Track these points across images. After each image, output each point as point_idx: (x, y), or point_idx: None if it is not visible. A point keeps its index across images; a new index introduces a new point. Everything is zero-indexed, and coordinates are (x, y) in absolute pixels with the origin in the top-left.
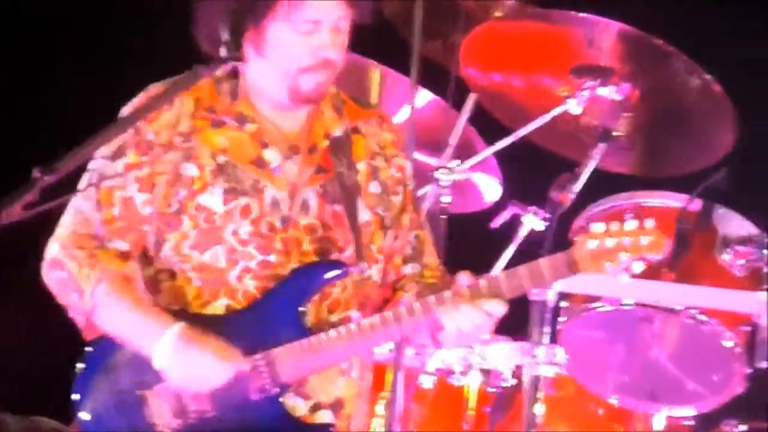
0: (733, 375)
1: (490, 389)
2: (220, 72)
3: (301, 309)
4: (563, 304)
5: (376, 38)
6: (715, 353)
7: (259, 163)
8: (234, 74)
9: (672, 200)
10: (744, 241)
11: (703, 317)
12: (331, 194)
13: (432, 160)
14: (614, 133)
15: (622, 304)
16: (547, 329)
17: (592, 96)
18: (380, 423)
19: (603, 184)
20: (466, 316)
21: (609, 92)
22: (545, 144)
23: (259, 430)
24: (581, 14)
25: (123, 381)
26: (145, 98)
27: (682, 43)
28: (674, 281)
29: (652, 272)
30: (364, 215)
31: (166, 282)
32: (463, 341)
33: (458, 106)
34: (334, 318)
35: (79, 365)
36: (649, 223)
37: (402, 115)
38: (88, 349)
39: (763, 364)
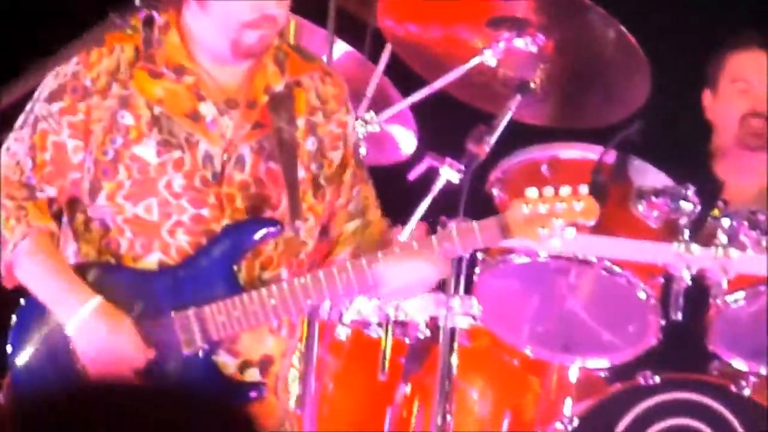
0: (648, 326)
1: (405, 340)
2: (134, 20)
3: (234, 266)
4: (479, 255)
5: None
6: (630, 305)
7: (194, 117)
8: (149, 22)
9: (587, 152)
10: (659, 192)
11: (618, 269)
12: (267, 151)
13: None
14: (530, 85)
15: (537, 256)
16: (462, 280)
17: (508, 47)
18: (295, 375)
19: (519, 136)
20: (410, 270)
21: (525, 44)
22: (461, 96)
23: (189, 385)
24: None
25: (55, 333)
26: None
27: None
28: (589, 233)
29: None
30: (300, 172)
31: (98, 232)
32: (401, 296)
33: (375, 58)
34: (266, 275)
35: (13, 318)
36: (583, 189)
37: None
38: (22, 302)
39: (678, 316)
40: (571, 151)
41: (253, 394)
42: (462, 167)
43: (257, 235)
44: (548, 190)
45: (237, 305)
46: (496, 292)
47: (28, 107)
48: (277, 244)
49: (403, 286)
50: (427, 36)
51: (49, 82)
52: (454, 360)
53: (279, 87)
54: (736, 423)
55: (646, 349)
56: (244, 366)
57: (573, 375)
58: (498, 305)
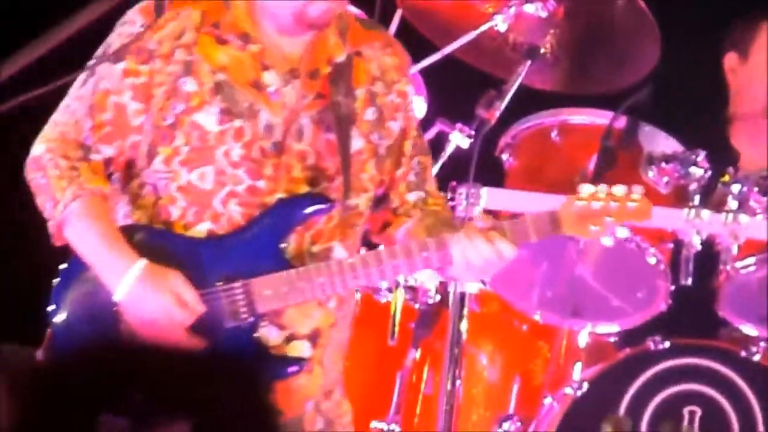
0: (657, 292)
1: (415, 306)
2: None
3: (282, 241)
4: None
5: None
6: (640, 270)
7: (257, 86)
8: None
9: (597, 117)
10: (669, 158)
11: (628, 234)
12: (326, 122)
13: None
14: (540, 50)
15: None
16: None
17: (518, 12)
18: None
19: (529, 101)
20: (477, 250)
21: (535, 9)
22: (471, 61)
23: (229, 357)
24: None
25: (100, 294)
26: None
27: None
28: None
29: (576, 189)
30: (357, 143)
31: (150, 198)
32: (469, 276)
33: (385, 23)
34: (315, 249)
35: (57, 278)
36: (638, 189)
37: None
38: (64, 265)
39: (687, 282)
40: (581, 117)
41: (292, 369)
42: (472, 132)
43: (308, 210)
44: (602, 188)
45: (285, 280)
46: None
47: (89, 66)
48: (330, 218)
49: (467, 269)
50: (437, 1)
51: (113, 42)
52: (464, 325)
53: (341, 58)
54: (746, 388)
55: (655, 315)
56: (290, 339)
57: (582, 340)
58: (507, 271)
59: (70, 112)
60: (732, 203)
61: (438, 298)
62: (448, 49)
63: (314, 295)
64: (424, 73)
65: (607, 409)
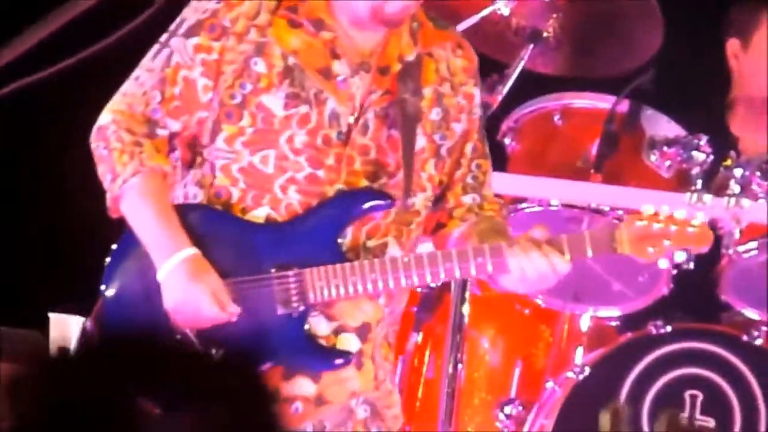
0: (659, 276)
1: (417, 289)
2: None
3: (340, 235)
4: None
5: None
6: None
7: (327, 74)
8: None
9: (600, 101)
10: (671, 142)
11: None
12: (391, 118)
13: None
14: (543, 34)
15: (549, 205)
16: None
17: None
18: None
19: (532, 85)
20: (533, 263)
21: None
22: (474, 45)
23: (277, 344)
24: None
25: (153, 270)
26: None
27: None
28: (601, 182)
29: (579, 173)
30: (420, 142)
31: (210, 178)
32: (522, 288)
33: None
34: (371, 243)
35: (114, 246)
36: (700, 216)
37: None
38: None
39: (689, 266)
40: (584, 101)
41: (339, 361)
42: None
43: (368, 205)
44: (665, 209)
45: (338, 273)
46: None
47: (163, 38)
48: (388, 214)
49: (521, 280)
50: None
51: (187, 16)
52: (466, 309)
53: (411, 57)
54: (747, 372)
55: (657, 299)
56: (339, 330)
57: (584, 324)
58: None
59: (139, 83)
60: (734, 187)
61: (440, 282)
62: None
63: (366, 290)
64: None
65: (609, 393)
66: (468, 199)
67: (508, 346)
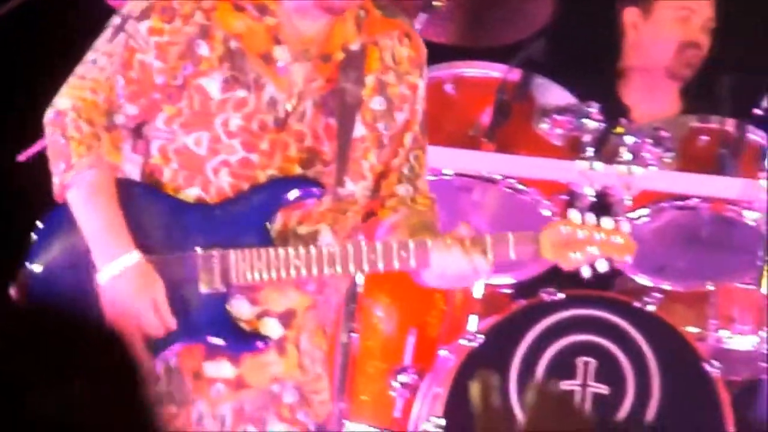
0: None
1: None
2: None
3: (269, 220)
4: None
5: None
6: (534, 222)
7: (267, 59)
8: None
9: (492, 70)
10: (562, 110)
11: (522, 186)
12: (329, 106)
13: None
14: (434, 3)
15: (442, 174)
16: None
17: None
18: None
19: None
20: (455, 261)
21: None
22: None
23: (198, 323)
24: None
25: (83, 244)
26: None
27: None
28: (494, 151)
29: (471, 142)
30: (359, 130)
31: (145, 156)
32: (442, 284)
33: None
34: (302, 230)
35: (40, 224)
36: (625, 226)
37: None
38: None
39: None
40: (476, 70)
41: (258, 344)
42: None
43: (297, 194)
44: (591, 218)
45: (262, 257)
46: None
47: (116, 23)
48: (321, 202)
49: (441, 277)
50: None
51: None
52: (359, 278)
53: (355, 46)
54: (639, 338)
55: (549, 266)
56: (262, 315)
57: (477, 292)
58: None
59: (99, 68)
60: (625, 155)
61: None
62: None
63: (289, 276)
64: None
65: (502, 360)
66: (401, 189)
67: (402, 315)
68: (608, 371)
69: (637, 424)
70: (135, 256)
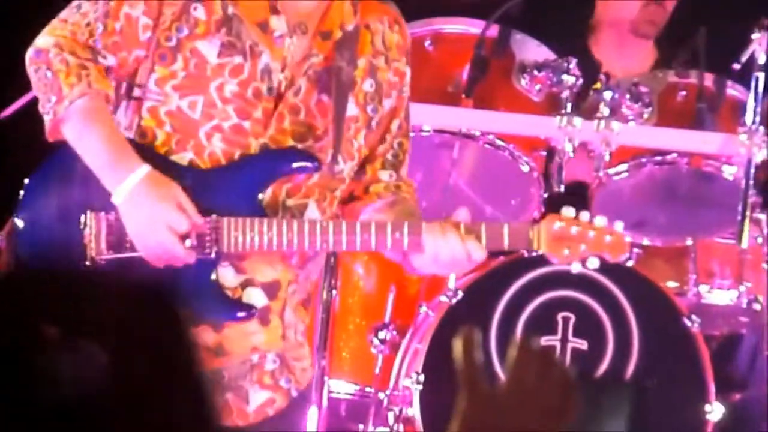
0: (531, 200)
1: None
2: None
3: (262, 191)
4: None
5: None
6: (513, 178)
7: (264, 27)
8: None
9: (470, 26)
10: (541, 66)
11: (501, 142)
12: (324, 84)
13: None
14: None
15: (421, 131)
16: None
17: None
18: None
19: (401, 12)
20: (449, 245)
21: None
22: None
23: (183, 287)
24: None
25: (73, 195)
26: None
27: None
28: (472, 107)
29: (450, 98)
30: (352, 110)
31: (136, 117)
32: (434, 268)
33: None
34: (290, 202)
35: (28, 180)
36: (618, 225)
37: None
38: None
39: (560, 189)
40: (454, 26)
41: (240, 314)
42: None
43: (295, 166)
44: (584, 215)
45: (255, 226)
46: None
47: None
48: (311, 175)
49: (434, 262)
50: None
51: None
52: None
53: (350, 26)
54: (619, 293)
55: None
56: (247, 284)
57: None
58: None
59: (82, 13)
60: (604, 110)
61: None
62: None
63: (280, 246)
64: None
65: (482, 316)
66: (385, 175)
67: (382, 272)
68: (588, 326)
69: (617, 379)
70: (144, 169)
